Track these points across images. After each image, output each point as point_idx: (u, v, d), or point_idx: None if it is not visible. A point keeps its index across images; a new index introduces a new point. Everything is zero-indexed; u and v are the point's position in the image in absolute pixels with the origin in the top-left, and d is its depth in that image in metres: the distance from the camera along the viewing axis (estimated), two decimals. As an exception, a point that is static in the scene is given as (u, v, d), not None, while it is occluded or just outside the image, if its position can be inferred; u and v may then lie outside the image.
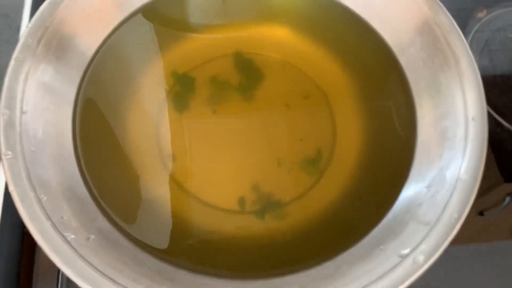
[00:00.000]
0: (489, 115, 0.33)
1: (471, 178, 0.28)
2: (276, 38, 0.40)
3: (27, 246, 0.37)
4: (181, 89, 0.38)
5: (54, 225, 0.27)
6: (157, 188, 0.35)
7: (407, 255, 0.26)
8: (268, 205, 0.34)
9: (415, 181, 0.31)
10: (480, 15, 0.46)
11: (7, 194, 0.35)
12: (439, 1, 0.34)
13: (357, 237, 0.30)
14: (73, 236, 0.27)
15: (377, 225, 0.30)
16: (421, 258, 0.26)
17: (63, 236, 0.27)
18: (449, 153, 0.30)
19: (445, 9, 0.34)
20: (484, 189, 0.39)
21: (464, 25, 0.47)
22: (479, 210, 0.39)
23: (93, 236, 0.28)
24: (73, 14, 0.34)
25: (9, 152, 0.28)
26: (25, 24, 0.41)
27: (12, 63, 0.31)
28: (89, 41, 0.35)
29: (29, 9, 0.43)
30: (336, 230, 0.33)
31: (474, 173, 0.28)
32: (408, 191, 0.31)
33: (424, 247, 0.26)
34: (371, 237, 0.29)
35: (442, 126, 0.32)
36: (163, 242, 0.32)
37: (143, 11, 0.38)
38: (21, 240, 0.37)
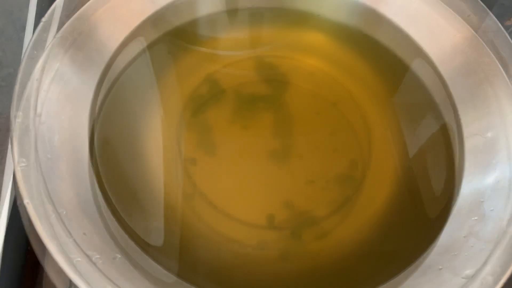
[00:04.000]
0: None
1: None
2: (307, 42, 0.38)
3: (29, 265, 0.33)
4: (208, 98, 0.35)
5: (76, 243, 0.23)
6: (179, 201, 0.31)
7: (473, 276, 0.24)
8: (301, 223, 0.31)
9: (452, 228, 0.28)
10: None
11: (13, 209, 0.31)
12: (482, 41, 0.32)
13: (412, 257, 0.27)
14: (98, 256, 0.24)
15: (432, 244, 0.27)
16: (490, 279, 0.23)
17: (87, 255, 0.23)
18: (490, 202, 0.27)
19: (488, 48, 0.32)
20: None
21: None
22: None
23: (119, 256, 0.25)
24: (103, 25, 0.32)
25: (23, 160, 0.25)
26: (31, 21, 0.37)
27: (35, 70, 0.28)
28: (116, 53, 0.33)
29: (35, 6, 0.40)
30: (385, 250, 0.30)
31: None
32: (444, 238, 0.28)
33: (489, 268, 0.24)
34: (427, 256, 0.27)
35: (482, 172, 0.29)
36: (180, 260, 0.29)
37: (174, 31, 0.36)
38: (24, 258, 0.34)
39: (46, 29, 0.29)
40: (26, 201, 0.24)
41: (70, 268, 0.22)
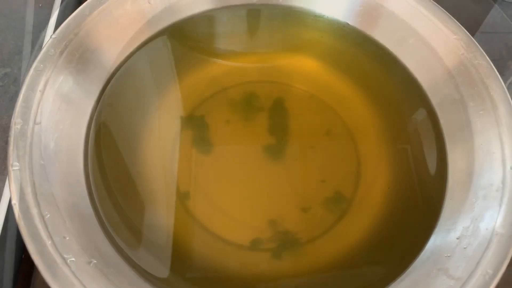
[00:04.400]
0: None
1: (509, 232, 0.26)
2: (303, 69, 0.38)
3: (23, 274, 0.34)
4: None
5: (54, 245, 0.25)
6: (167, 216, 0.32)
7: (466, 278, 0.24)
8: (284, 243, 0.31)
9: (445, 230, 0.29)
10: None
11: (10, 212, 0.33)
12: (476, 43, 0.33)
13: (407, 260, 0.28)
14: (73, 259, 0.25)
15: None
16: (482, 280, 0.24)
17: (63, 257, 0.25)
18: (483, 203, 0.28)
19: (482, 50, 0.33)
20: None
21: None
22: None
23: (95, 261, 0.26)
24: (99, 27, 0.33)
25: (17, 164, 0.27)
26: (29, 22, 0.38)
27: (31, 72, 0.30)
28: (113, 56, 0.34)
29: (33, 7, 0.40)
30: (354, 278, 0.30)
31: (512, 227, 0.26)
32: (437, 241, 0.28)
33: (482, 269, 0.24)
34: (421, 259, 0.27)
35: (475, 173, 0.30)
36: (166, 272, 0.30)
37: (170, 31, 0.37)
38: (18, 265, 0.35)
39: (54, 45, 0.31)
40: (14, 202, 0.25)
41: (44, 267, 0.24)
